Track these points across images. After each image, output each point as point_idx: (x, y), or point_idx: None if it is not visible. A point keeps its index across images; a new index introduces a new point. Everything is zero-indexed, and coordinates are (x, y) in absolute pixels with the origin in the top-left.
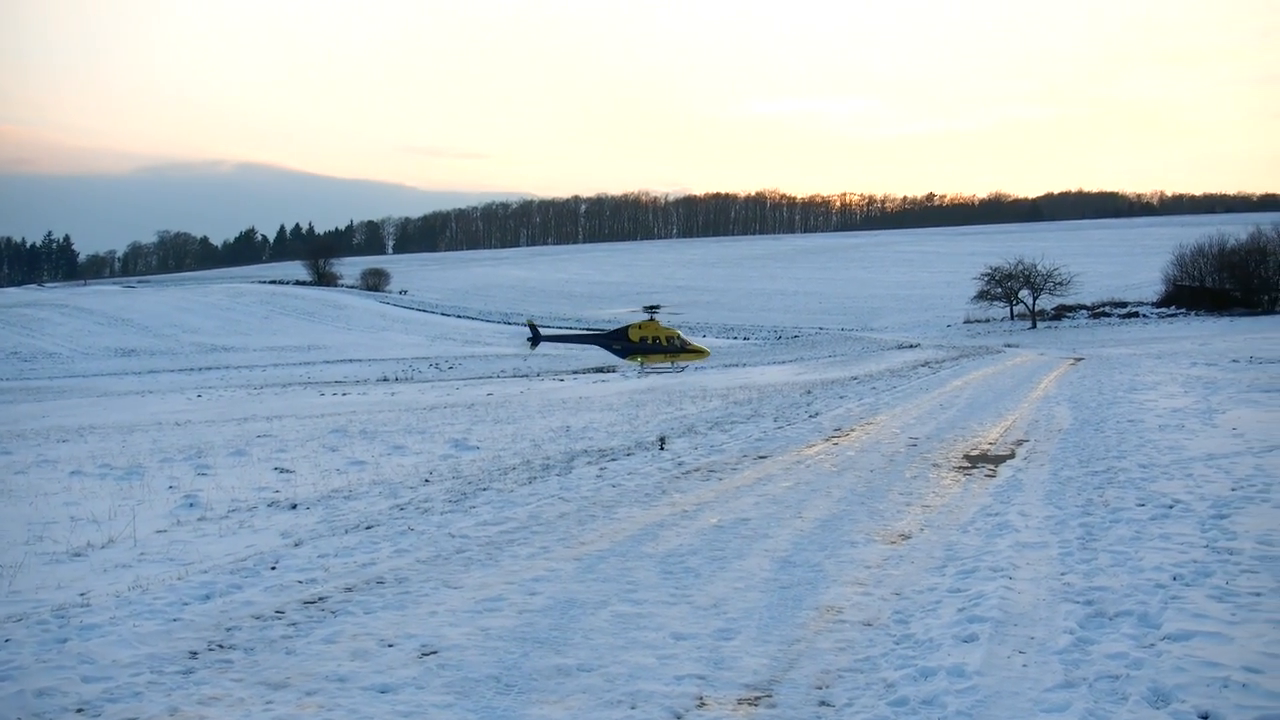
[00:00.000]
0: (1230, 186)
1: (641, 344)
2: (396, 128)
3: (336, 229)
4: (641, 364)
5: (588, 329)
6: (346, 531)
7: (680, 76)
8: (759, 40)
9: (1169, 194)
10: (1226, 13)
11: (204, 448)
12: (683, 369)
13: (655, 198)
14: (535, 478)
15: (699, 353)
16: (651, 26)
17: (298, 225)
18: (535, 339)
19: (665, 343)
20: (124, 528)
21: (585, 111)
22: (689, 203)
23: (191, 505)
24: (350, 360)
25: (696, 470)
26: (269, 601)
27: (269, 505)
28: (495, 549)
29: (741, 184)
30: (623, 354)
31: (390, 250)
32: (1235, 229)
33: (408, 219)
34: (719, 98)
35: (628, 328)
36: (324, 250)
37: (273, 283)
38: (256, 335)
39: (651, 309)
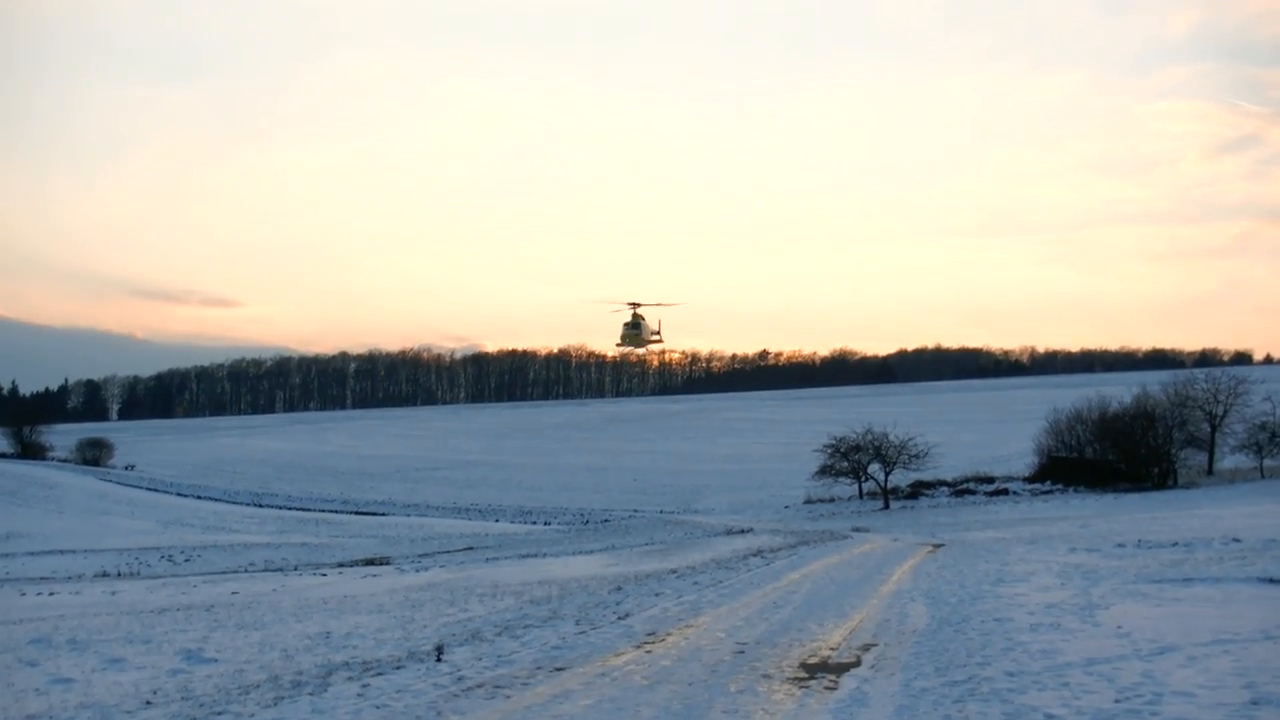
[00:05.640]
0: (1111, 341)
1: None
2: (126, 268)
3: (48, 389)
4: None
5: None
6: None
7: (468, 212)
8: (559, 166)
9: (1040, 350)
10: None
11: None
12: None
13: (439, 355)
14: (282, 698)
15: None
16: (433, 153)
17: None
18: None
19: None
20: None
21: (357, 254)
22: (479, 361)
23: None
24: (61, 551)
25: (480, 686)
26: None
27: None
28: None
29: (542, 339)
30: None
31: (115, 416)
32: (1118, 390)
33: (137, 378)
34: (512, 238)
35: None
36: (31, 416)
37: None
38: None
39: (635, 305)
